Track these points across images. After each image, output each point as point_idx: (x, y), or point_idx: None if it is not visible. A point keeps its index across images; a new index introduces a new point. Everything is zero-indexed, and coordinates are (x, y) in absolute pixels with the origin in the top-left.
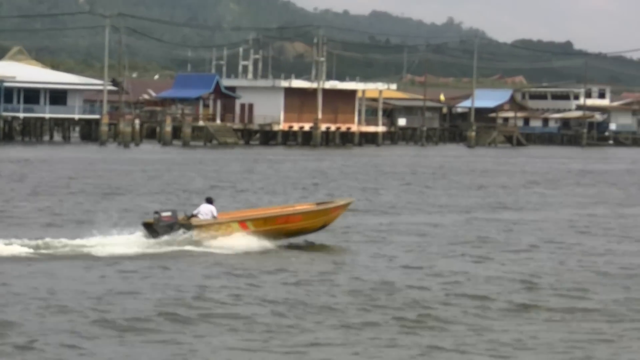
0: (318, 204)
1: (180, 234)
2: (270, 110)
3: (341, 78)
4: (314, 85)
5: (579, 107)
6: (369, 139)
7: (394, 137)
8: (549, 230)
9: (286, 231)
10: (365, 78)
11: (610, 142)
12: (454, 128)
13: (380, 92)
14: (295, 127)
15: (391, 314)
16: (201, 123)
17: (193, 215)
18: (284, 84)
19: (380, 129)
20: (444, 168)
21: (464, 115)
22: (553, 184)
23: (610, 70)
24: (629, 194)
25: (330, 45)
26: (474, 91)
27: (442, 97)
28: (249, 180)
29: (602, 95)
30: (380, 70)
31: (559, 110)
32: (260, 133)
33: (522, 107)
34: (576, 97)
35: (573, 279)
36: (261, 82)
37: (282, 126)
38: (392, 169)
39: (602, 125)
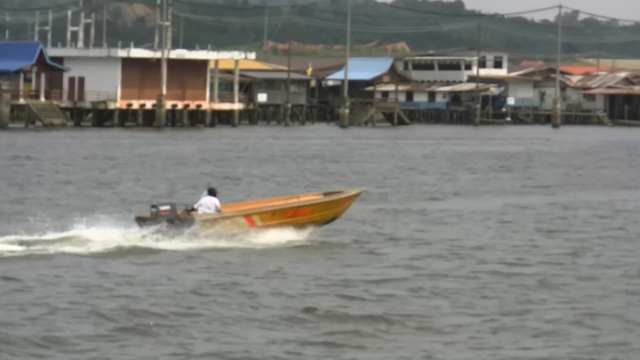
0: (326, 194)
1: (181, 230)
2: (104, 85)
3: (190, 46)
4: (157, 54)
5: (471, 79)
6: (223, 118)
7: (252, 115)
8: (436, 228)
9: (295, 225)
10: (219, 46)
11: (508, 119)
12: (324, 105)
13: (237, 62)
14: (135, 105)
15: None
16: (22, 101)
17: (193, 209)
18: (122, 53)
19: (237, 106)
20: (314, 153)
21: (336, 90)
22: (440, 170)
23: (508, 35)
24: (528, 178)
25: (176, 6)
26: (347, 61)
27: (309, 69)
28: (75, 167)
29: (498, 64)
30: (237, 36)
31: (447, 83)
32: (93, 112)
33: (404, 79)
34: (468, 67)
35: (468, 281)
36: (94, 52)
37: (119, 104)
38: (251, 154)
39: (499, 100)
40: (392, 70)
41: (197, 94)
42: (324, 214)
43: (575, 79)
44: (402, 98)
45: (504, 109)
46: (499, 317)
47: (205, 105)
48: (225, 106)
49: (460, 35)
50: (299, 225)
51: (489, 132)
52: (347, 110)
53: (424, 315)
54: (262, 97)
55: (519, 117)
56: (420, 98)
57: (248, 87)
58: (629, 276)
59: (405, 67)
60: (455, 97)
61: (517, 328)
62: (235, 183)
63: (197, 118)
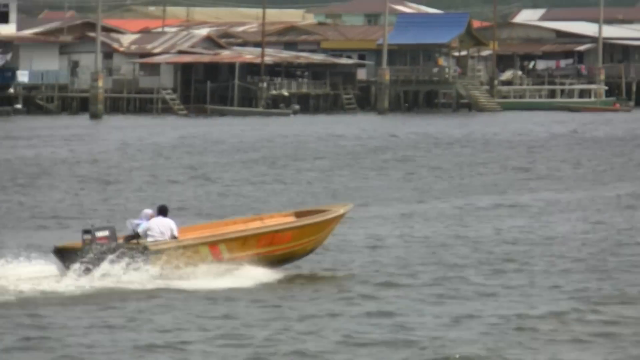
0: (299, 214)
1: (125, 265)
2: None
3: None
4: None
5: None
6: None
7: None
8: None
9: (269, 258)
10: None
11: (19, 106)
12: None
13: None
14: None
15: None
16: None
17: (137, 235)
18: None
19: None
20: None
21: None
22: None
23: None
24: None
25: None
26: None
27: None
28: None
29: (3, 17)
30: None
31: None
32: None
33: None
34: None
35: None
36: None
37: None
38: None
39: (4, 75)
40: None
41: None
42: (305, 241)
43: (127, 40)
44: None
45: (12, 90)
46: None
47: None
48: None
49: None
50: (274, 259)
51: None
52: None
53: None
54: None
55: (36, 102)
56: None
57: None
58: None
59: None
60: None
61: None
62: None
63: None
